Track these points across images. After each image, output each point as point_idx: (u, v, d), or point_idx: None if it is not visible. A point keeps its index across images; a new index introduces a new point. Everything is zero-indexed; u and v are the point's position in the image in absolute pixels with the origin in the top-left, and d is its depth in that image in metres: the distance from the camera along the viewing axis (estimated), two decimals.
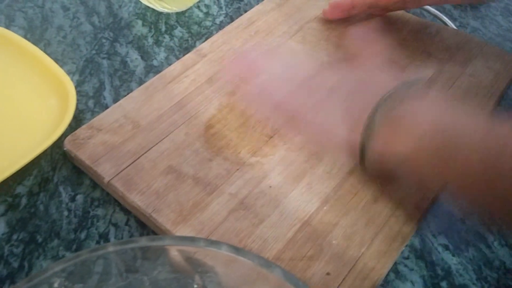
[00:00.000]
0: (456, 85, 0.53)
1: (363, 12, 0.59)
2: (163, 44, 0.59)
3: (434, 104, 0.38)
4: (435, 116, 0.37)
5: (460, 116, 0.36)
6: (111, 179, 0.43)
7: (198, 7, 0.64)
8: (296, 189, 0.43)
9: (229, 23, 0.60)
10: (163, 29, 0.61)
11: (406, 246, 0.42)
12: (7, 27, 0.59)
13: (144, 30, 0.61)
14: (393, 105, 0.38)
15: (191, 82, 0.52)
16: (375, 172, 0.39)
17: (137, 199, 0.42)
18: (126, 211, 0.44)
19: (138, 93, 0.50)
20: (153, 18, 0.62)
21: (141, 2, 0.63)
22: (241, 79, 0.48)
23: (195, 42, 0.60)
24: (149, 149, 0.45)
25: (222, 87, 0.51)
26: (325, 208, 0.42)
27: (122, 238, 0.42)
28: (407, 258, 0.42)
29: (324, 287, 0.38)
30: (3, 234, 0.42)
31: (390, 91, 0.38)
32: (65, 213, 0.44)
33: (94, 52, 0.58)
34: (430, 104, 0.38)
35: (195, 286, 0.33)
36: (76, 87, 0.50)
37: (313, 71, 0.46)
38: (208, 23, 0.62)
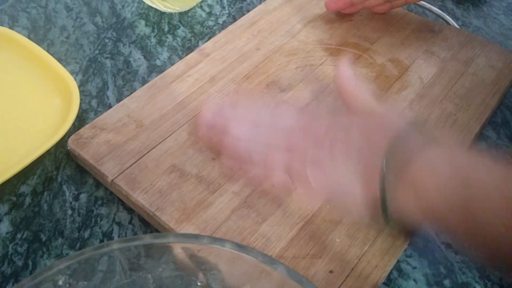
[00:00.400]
0: (459, 83, 0.53)
1: (363, 2, 0.59)
2: (166, 44, 0.59)
3: (448, 152, 0.34)
4: (453, 165, 0.33)
5: (478, 163, 0.33)
6: (115, 178, 0.43)
7: (201, 7, 0.65)
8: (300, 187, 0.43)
9: (231, 22, 0.60)
10: (166, 29, 0.61)
11: (409, 244, 0.42)
12: (11, 27, 0.60)
13: (147, 30, 0.61)
14: (403, 154, 0.33)
15: (194, 81, 0.52)
16: (399, 226, 0.35)
17: (140, 198, 0.42)
18: (129, 210, 0.44)
19: (141, 92, 0.50)
20: (156, 18, 0.63)
21: (144, 2, 0.63)
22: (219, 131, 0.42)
23: (198, 42, 0.60)
24: (153, 148, 0.45)
25: (225, 86, 0.51)
26: (328, 206, 0.42)
27: (125, 236, 0.43)
28: (410, 256, 0.42)
29: (327, 285, 0.38)
30: (7, 233, 0.42)
31: (396, 138, 0.34)
32: (69, 212, 0.44)
33: (97, 52, 0.58)
34: (444, 152, 0.34)
35: (199, 283, 0.33)
36: (79, 87, 0.50)
37: (299, 120, 0.40)
38: (210, 23, 0.62)
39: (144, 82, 0.54)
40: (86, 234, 0.42)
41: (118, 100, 0.52)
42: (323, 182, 0.37)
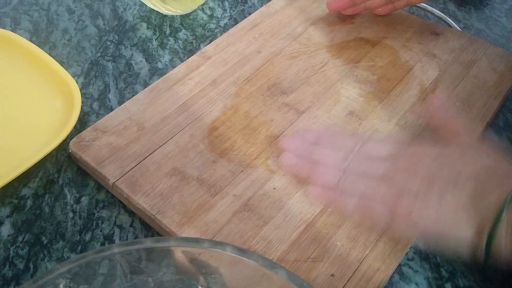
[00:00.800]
0: (461, 86, 0.53)
1: (365, 1, 0.59)
2: (168, 46, 0.59)
3: None
4: None
5: None
6: (116, 181, 0.43)
7: (202, 9, 0.65)
8: (301, 190, 0.43)
9: (233, 25, 0.60)
10: (168, 31, 0.61)
11: (411, 247, 0.42)
12: (13, 30, 0.60)
13: (149, 33, 0.61)
14: None
15: (195, 84, 0.52)
16: (499, 273, 0.35)
17: (141, 201, 0.42)
18: (130, 212, 0.44)
19: (142, 95, 0.50)
20: (158, 21, 0.63)
21: (145, 5, 0.63)
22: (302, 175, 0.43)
23: (199, 45, 0.60)
24: (154, 151, 0.45)
25: (226, 89, 0.51)
26: (329, 209, 0.42)
27: (126, 239, 0.43)
28: (412, 259, 0.42)
29: None
30: (8, 236, 0.42)
31: None
32: (70, 214, 0.44)
33: (99, 54, 0.58)
34: None
35: (200, 287, 0.33)
36: (81, 90, 0.51)
37: (398, 152, 0.40)
38: (212, 26, 0.62)
39: (145, 84, 0.54)
40: (87, 237, 0.42)
41: (120, 102, 0.52)
42: (426, 215, 0.36)
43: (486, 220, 0.34)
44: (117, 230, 0.43)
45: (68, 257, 0.41)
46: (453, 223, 0.35)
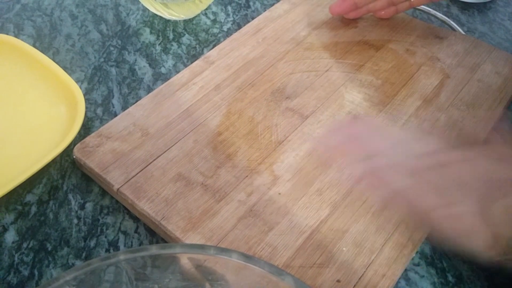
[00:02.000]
0: (465, 90, 0.53)
1: (367, 4, 0.59)
2: (171, 51, 0.59)
3: None
4: None
5: None
6: (120, 186, 0.43)
7: (205, 14, 0.65)
8: (306, 196, 0.43)
9: (236, 30, 0.60)
10: (171, 36, 0.61)
11: (417, 252, 0.42)
12: (16, 35, 0.60)
13: (152, 38, 0.61)
14: None
15: (199, 89, 0.52)
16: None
17: (146, 207, 0.42)
18: (135, 218, 0.44)
19: (146, 100, 0.50)
20: (161, 26, 0.63)
21: (148, 10, 0.63)
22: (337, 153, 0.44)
23: (202, 50, 0.60)
24: (158, 157, 0.45)
25: (230, 94, 0.51)
26: (334, 215, 0.42)
27: (131, 245, 0.42)
28: (418, 264, 0.42)
29: None
30: (13, 243, 0.42)
31: None
32: (75, 221, 0.44)
33: (102, 60, 0.58)
34: None
35: None
36: (84, 95, 0.51)
37: (430, 154, 0.39)
38: (215, 30, 0.62)
39: (149, 90, 0.54)
40: (92, 243, 0.42)
41: (124, 108, 0.52)
42: (448, 217, 0.36)
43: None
44: (121, 236, 0.43)
45: (73, 264, 0.41)
46: (471, 225, 0.34)
